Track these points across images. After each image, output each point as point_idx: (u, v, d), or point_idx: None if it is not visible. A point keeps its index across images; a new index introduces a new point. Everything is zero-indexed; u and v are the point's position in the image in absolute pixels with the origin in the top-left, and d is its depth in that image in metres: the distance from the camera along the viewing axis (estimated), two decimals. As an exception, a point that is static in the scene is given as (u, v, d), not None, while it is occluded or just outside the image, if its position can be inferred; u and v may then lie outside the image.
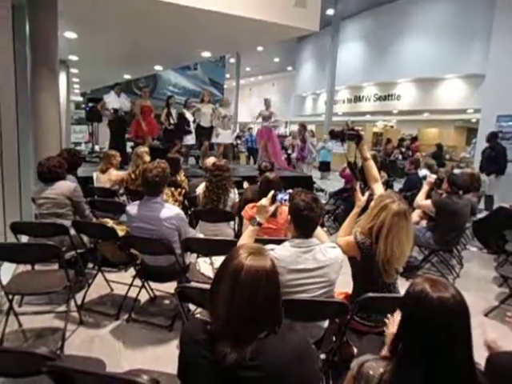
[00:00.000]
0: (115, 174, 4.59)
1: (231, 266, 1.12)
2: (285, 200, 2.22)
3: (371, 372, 1.13)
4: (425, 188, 4.27)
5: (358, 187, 2.53)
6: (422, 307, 1.08)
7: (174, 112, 7.99)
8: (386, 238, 2.02)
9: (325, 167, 12.97)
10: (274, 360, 1.09)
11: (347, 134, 2.65)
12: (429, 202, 4.14)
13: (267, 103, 8.57)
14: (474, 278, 4.46)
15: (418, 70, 13.60)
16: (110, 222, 3.50)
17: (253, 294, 1.09)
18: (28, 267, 3.13)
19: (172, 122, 7.91)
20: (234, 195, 3.73)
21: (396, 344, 1.16)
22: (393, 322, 1.50)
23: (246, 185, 4.89)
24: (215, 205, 3.55)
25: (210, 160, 4.67)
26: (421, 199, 4.21)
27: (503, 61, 8.03)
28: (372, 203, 2.23)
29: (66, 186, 3.25)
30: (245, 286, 1.09)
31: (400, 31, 14.35)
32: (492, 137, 7.37)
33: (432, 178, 4.34)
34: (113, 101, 8.03)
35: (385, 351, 1.23)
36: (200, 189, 3.81)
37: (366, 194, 2.50)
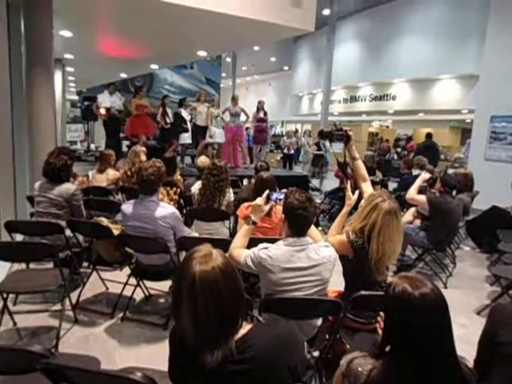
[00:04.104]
0: (112, 173, 4.61)
1: (184, 281, 1.08)
2: (280, 199, 2.24)
3: (360, 369, 1.15)
4: (417, 182, 4.29)
5: (348, 186, 2.55)
6: (406, 307, 1.10)
7: (169, 111, 8.00)
8: (378, 237, 2.05)
9: None
10: (262, 352, 1.10)
11: (335, 135, 2.67)
12: (423, 197, 4.16)
13: (235, 99, 8.27)
14: (466, 277, 4.50)
15: (413, 70, 13.64)
16: (104, 221, 3.51)
17: (215, 298, 1.06)
18: (23, 266, 3.12)
19: (168, 121, 7.92)
20: (229, 194, 3.74)
21: (384, 345, 1.18)
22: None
23: (246, 182, 4.89)
24: (210, 204, 3.57)
25: (202, 159, 4.69)
26: (413, 192, 4.23)
27: (497, 61, 8.08)
28: (363, 202, 2.26)
29: (66, 189, 3.22)
30: (204, 294, 1.05)
31: (395, 32, 14.39)
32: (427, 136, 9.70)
33: (427, 175, 4.38)
34: (105, 100, 8.07)
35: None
36: (195, 187, 3.82)
37: (356, 192, 2.53)
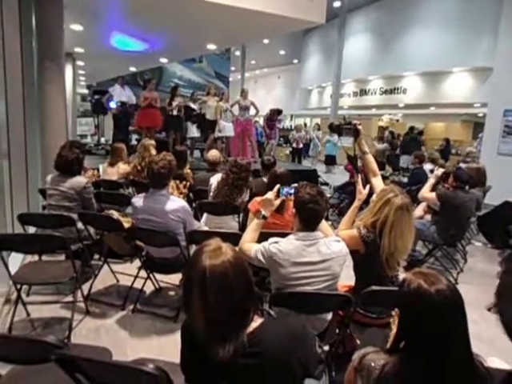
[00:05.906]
0: (123, 167, 4.63)
1: (195, 274, 1.09)
2: (290, 194, 2.22)
3: (372, 364, 1.14)
4: (431, 181, 4.26)
5: (359, 180, 2.53)
6: (422, 303, 1.09)
7: (175, 102, 7.92)
8: (390, 232, 2.04)
9: (330, 161, 12.89)
10: (273, 346, 1.11)
11: (344, 129, 2.64)
12: (433, 194, 4.13)
13: (244, 93, 8.27)
14: (477, 273, 4.46)
15: (424, 63, 13.45)
16: (115, 214, 3.53)
17: (226, 292, 1.07)
18: (35, 258, 3.17)
19: (175, 113, 7.91)
20: (246, 194, 3.67)
21: (397, 343, 1.17)
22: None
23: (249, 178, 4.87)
24: (226, 200, 3.49)
25: (212, 153, 4.68)
26: (426, 191, 4.21)
27: (511, 54, 7.92)
28: (374, 197, 2.24)
29: (78, 181, 3.24)
30: (214, 288, 1.06)
31: (407, 24, 14.18)
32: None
33: (440, 171, 4.34)
34: (119, 94, 8.07)
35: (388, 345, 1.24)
36: (215, 178, 3.77)
37: (367, 187, 2.50)
